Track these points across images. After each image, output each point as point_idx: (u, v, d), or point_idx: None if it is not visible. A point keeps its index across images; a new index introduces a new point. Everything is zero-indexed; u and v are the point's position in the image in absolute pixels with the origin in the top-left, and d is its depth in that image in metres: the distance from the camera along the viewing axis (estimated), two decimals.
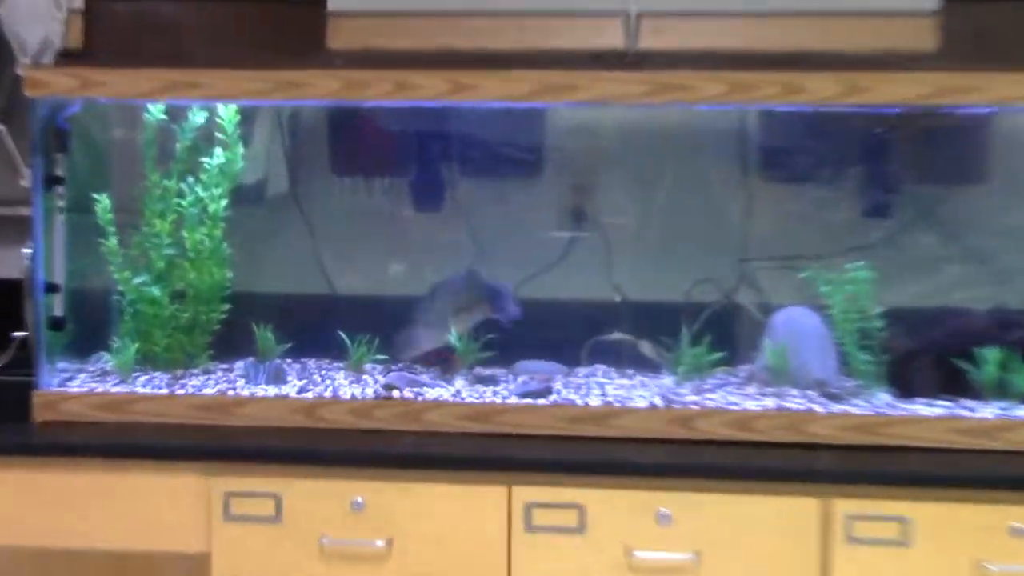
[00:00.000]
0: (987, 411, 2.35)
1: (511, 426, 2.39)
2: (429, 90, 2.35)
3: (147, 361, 2.62)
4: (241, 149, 2.64)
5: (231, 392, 2.49)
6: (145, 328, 2.61)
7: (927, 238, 2.71)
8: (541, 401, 2.44)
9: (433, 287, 2.70)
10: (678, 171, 2.76)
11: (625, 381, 2.61)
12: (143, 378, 2.56)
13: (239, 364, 2.67)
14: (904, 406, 2.39)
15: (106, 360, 2.65)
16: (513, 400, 2.44)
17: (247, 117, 2.68)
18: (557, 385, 2.54)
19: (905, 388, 2.46)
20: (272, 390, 2.50)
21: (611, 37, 2.53)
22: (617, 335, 2.69)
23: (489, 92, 2.34)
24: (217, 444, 2.35)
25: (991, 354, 2.39)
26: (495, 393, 2.49)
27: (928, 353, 2.48)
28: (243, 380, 2.56)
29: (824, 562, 2.22)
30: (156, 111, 2.60)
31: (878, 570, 2.21)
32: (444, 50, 2.53)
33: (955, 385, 2.43)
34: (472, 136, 2.82)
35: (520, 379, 2.60)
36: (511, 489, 2.28)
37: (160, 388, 2.51)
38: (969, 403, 2.39)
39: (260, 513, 2.31)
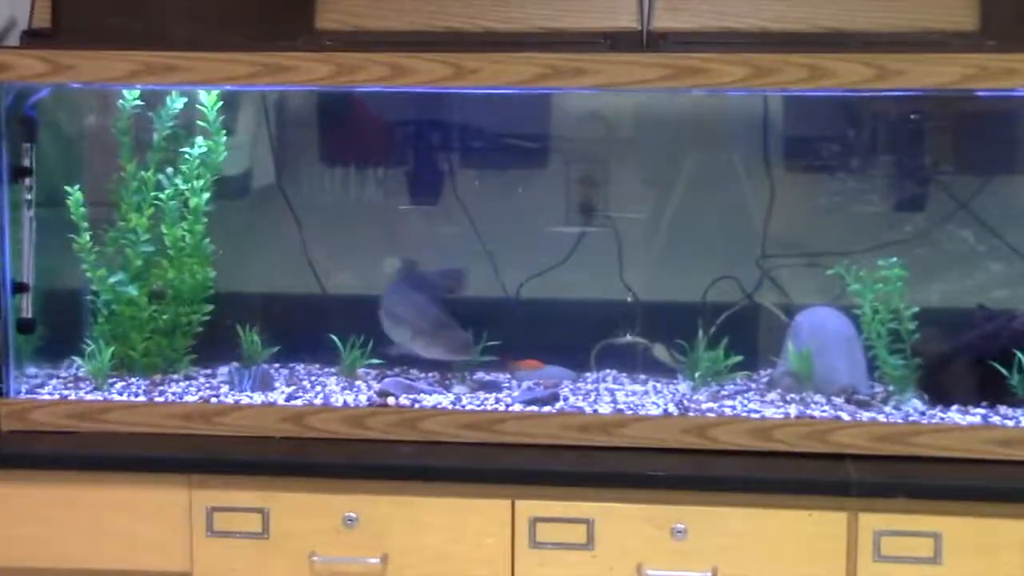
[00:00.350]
0: None
1: (515, 435, 2.41)
2: (428, 75, 2.36)
3: (123, 366, 2.64)
4: (224, 138, 2.66)
5: (214, 399, 2.50)
6: (121, 331, 2.63)
7: (964, 233, 2.73)
8: (547, 408, 2.46)
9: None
10: (695, 161, 2.79)
11: (637, 387, 2.62)
12: (119, 385, 2.57)
13: (223, 369, 2.68)
14: (937, 414, 2.42)
15: (79, 365, 2.66)
16: (517, 407, 2.46)
17: (230, 103, 2.69)
18: (564, 391, 2.56)
19: (938, 394, 2.48)
20: (259, 397, 2.52)
21: (624, 17, 2.55)
22: (629, 338, 2.71)
23: (492, 77, 2.35)
24: (199, 455, 2.37)
25: None
26: (498, 400, 2.51)
27: (963, 357, 2.50)
28: (227, 387, 2.58)
29: None
30: (131, 97, 2.61)
31: None
32: (444, 31, 2.56)
33: (992, 391, 2.45)
34: (474, 124, 2.84)
35: (524, 385, 2.62)
36: (515, 502, 2.30)
37: (137, 395, 2.52)
38: (1007, 411, 2.41)
39: (245, 529, 2.33)
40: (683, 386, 2.60)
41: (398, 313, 2.66)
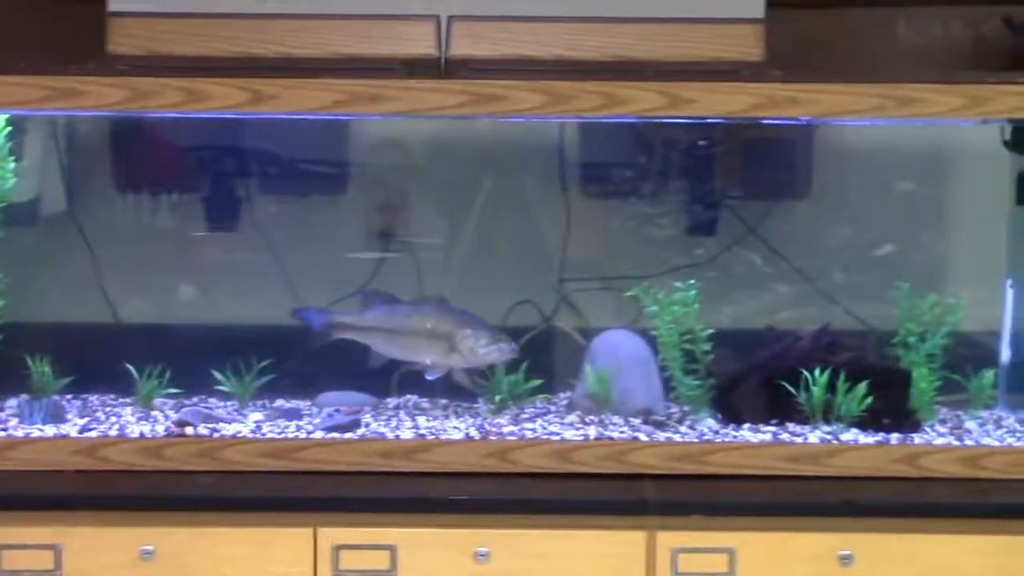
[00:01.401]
0: (814, 436, 2.45)
1: (316, 463, 2.40)
2: (224, 100, 2.34)
3: None
4: (12, 164, 2.59)
5: (2, 433, 2.45)
6: None
7: (752, 255, 2.81)
8: (348, 435, 2.45)
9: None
10: (494, 187, 2.82)
11: (438, 412, 2.63)
12: None
13: (12, 402, 2.62)
14: (730, 432, 2.48)
15: None
16: (318, 435, 2.45)
17: (18, 128, 2.62)
18: (365, 418, 2.56)
19: (731, 413, 2.54)
20: (50, 430, 2.47)
21: (422, 44, 2.54)
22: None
23: (290, 103, 2.35)
24: None
25: (817, 377, 2.48)
26: (298, 428, 2.50)
27: (754, 376, 2.56)
28: (16, 419, 2.52)
29: None
30: None
31: None
32: (240, 56, 2.52)
33: (781, 409, 2.52)
34: (272, 150, 2.83)
35: (325, 412, 2.61)
36: (316, 530, 2.29)
37: None
38: (795, 428, 2.49)
39: (37, 567, 2.28)
40: (484, 410, 2.62)
41: (429, 328, 2.62)
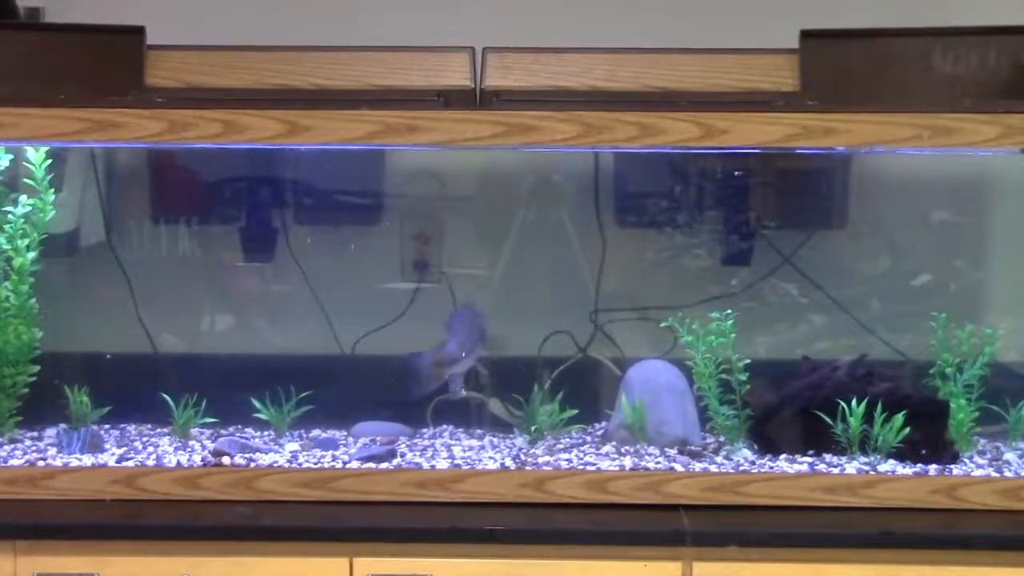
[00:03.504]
0: (850, 467, 2.45)
1: (352, 493, 2.41)
2: (261, 132, 2.35)
3: None
4: (52, 196, 2.62)
5: (41, 462, 2.46)
6: None
7: (788, 286, 2.82)
8: (384, 465, 2.46)
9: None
10: (529, 217, 2.83)
11: (474, 442, 2.64)
12: None
13: (50, 431, 2.64)
14: (767, 463, 2.48)
15: None
16: (354, 464, 2.46)
17: (57, 159, 2.65)
18: (401, 448, 2.57)
19: (768, 444, 2.55)
20: (88, 459, 2.48)
21: (457, 75, 2.57)
22: (464, 393, 2.71)
23: (326, 134, 2.35)
24: (25, 520, 2.32)
25: (854, 408, 2.48)
26: (334, 458, 2.51)
27: (790, 407, 2.56)
28: (55, 449, 2.54)
29: None
30: None
31: None
32: (277, 88, 2.55)
33: (818, 440, 2.52)
34: (309, 181, 2.85)
35: (360, 442, 2.62)
36: (352, 561, 2.30)
37: None
38: (832, 459, 2.48)
39: None
40: (519, 440, 2.63)
41: None
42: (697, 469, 2.44)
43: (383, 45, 2.59)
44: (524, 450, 2.56)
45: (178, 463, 2.46)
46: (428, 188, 2.84)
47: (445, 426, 2.74)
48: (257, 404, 2.65)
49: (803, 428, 2.53)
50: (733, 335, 2.56)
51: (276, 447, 2.58)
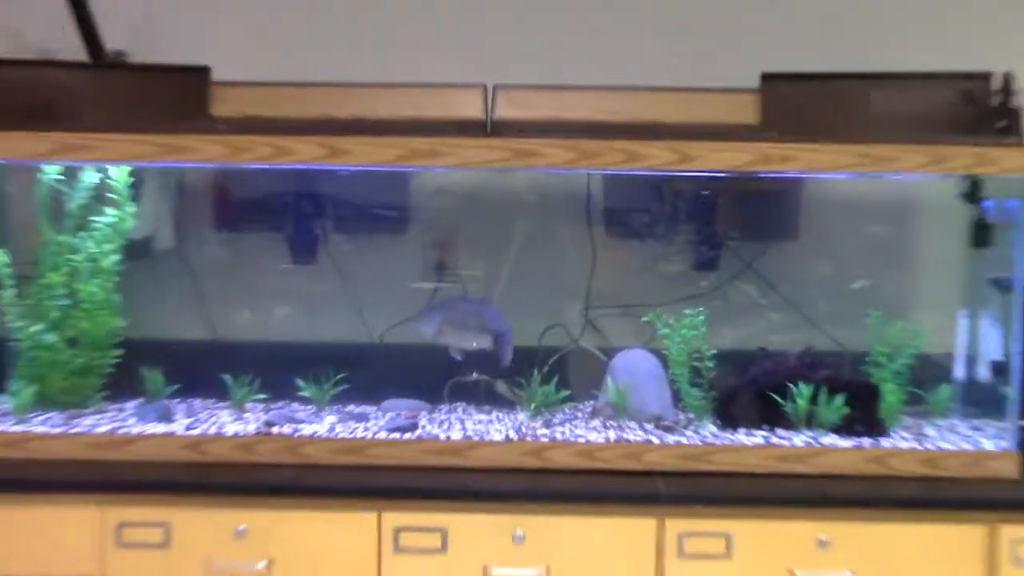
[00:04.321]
0: (798, 439, 2.46)
1: (381, 458, 2.42)
2: (305, 154, 2.38)
3: (44, 403, 2.60)
4: (131, 208, 2.65)
5: (122, 430, 2.48)
6: (41, 373, 2.60)
7: (749, 288, 2.82)
8: (408, 435, 2.48)
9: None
10: (530, 227, 2.83)
11: (483, 417, 2.65)
12: (39, 418, 2.54)
13: (130, 404, 2.67)
14: (728, 436, 2.49)
15: (4, 402, 2.62)
16: (382, 435, 2.48)
17: (137, 177, 2.67)
18: (422, 421, 2.59)
19: (729, 420, 2.56)
20: (161, 428, 2.50)
21: (471, 108, 2.57)
22: (475, 376, 2.72)
23: (361, 157, 2.37)
24: (109, 478, 2.35)
25: (802, 390, 2.50)
26: (366, 428, 2.52)
27: (749, 389, 2.57)
28: (134, 419, 2.56)
29: (659, 575, 2.31)
30: (51, 171, 2.59)
31: None
32: (320, 118, 2.55)
33: (771, 417, 2.53)
34: (345, 196, 2.84)
35: (388, 416, 2.63)
36: (380, 515, 2.32)
37: (56, 427, 2.49)
38: (783, 433, 2.50)
39: (150, 540, 2.33)
40: (522, 416, 2.64)
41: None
42: (670, 441, 2.45)
43: (409, 82, 2.60)
44: (525, 424, 2.57)
45: (235, 432, 2.48)
46: (446, 203, 2.85)
47: (459, 403, 2.76)
48: (301, 384, 2.67)
49: (759, 407, 2.55)
50: (703, 329, 2.58)
51: (317, 419, 2.59)
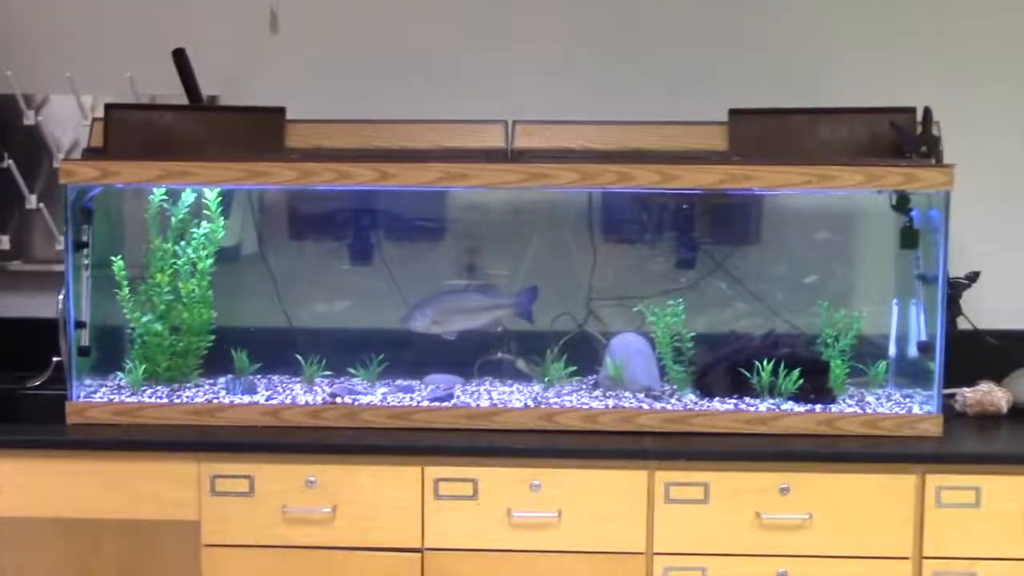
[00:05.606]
0: (763, 406, 2.44)
1: (423, 422, 2.42)
2: (362, 177, 2.37)
3: (152, 379, 2.60)
4: (222, 221, 2.64)
5: (215, 400, 2.49)
6: (150, 354, 2.60)
7: (719, 283, 2.78)
8: (445, 404, 2.47)
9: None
10: (544, 234, 2.79)
11: (506, 388, 2.63)
12: (148, 391, 2.54)
13: (222, 379, 2.65)
14: (705, 404, 2.48)
15: (120, 378, 2.62)
16: (425, 403, 2.47)
17: (227, 197, 2.67)
18: (457, 391, 2.57)
19: (706, 390, 2.54)
20: (246, 398, 2.50)
21: (495, 139, 2.56)
22: (500, 355, 2.72)
23: (407, 179, 2.37)
24: (205, 439, 2.35)
25: (765, 365, 2.48)
26: (411, 399, 2.52)
27: (721, 365, 2.55)
28: (224, 391, 2.56)
29: (649, 517, 2.30)
30: (158, 192, 2.59)
31: (688, 521, 2.29)
32: (374, 148, 2.55)
33: (740, 387, 2.51)
34: (394, 210, 2.82)
35: (429, 388, 2.62)
36: (423, 469, 2.31)
37: (162, 398, 2.49)
38: (750, 400, 2.48)
39: (238, 490, 2.32)
40: (537, 387, 2.62)
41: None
42: (658, 407, 2.44)
43: (445, 119, 2.60)
44: (540, 394, 2.55)
45: (306, 402, 2.48)
46: (475, 216, 2.83)
47: (487, 378, 2.73)
48: (352, 371, 2.65)
49: (730, 379, 2.52)
50: (683, 316, 2.56)
51: (371, 391, 2.58)
